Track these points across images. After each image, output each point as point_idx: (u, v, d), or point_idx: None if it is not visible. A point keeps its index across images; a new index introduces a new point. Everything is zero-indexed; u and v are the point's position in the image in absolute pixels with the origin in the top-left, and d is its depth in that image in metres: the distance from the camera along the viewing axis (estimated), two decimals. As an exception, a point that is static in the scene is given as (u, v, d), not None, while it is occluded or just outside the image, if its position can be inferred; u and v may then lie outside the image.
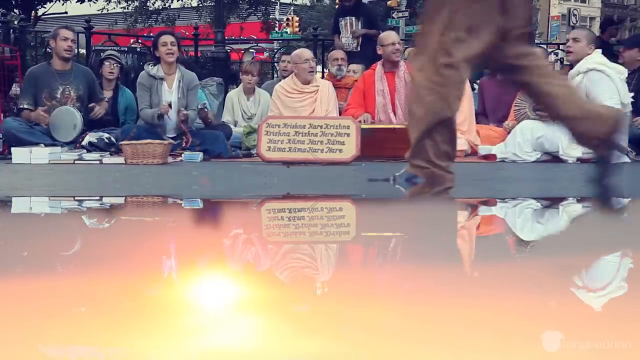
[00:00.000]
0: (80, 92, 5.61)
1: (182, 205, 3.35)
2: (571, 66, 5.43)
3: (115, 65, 6.12)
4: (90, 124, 5.57)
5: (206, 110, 5.87)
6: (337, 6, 8.11)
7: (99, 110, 5.67)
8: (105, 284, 1.71)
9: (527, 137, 5.14)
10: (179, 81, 5.61)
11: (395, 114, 5.79)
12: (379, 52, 5.94)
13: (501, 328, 1.34)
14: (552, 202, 3.48)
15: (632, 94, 5.14)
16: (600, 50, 5.20)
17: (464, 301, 1.57)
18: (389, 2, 16.22)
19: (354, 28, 7.45)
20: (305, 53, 6.15)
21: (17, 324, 1.36)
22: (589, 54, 5.15)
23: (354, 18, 7.51)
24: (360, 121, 5.49)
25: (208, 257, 2.15)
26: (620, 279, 1.83)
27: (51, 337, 1.28)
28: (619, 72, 5.07)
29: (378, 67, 5.92)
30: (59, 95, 5.54)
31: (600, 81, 5.00)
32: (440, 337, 1.29)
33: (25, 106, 5.46)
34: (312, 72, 5.92)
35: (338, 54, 6.72)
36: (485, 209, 3.35)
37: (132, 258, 2.06)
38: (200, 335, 1.31)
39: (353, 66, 6.76)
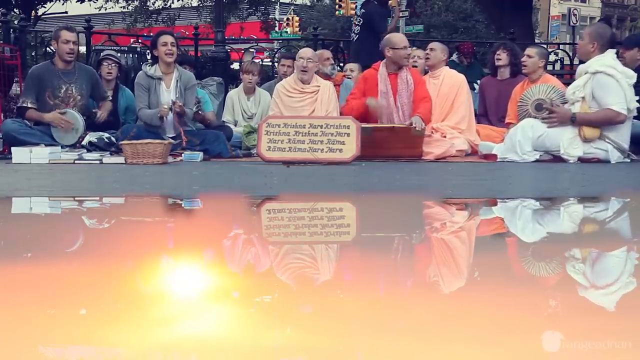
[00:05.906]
0: (84, 91, 5.60)
1: (182, 205, 3.35)
2: (571, 65, 5.42)
3: (113, 65, 6.10)
4: (93, 127, 5.55)
5: (201, 112, 5.86)
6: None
7: (102, 114, 5.67)
8: (95, 277, 1.71)
9: (528, 135, 5.10)
10: (177, 81, 5.60)
11: (397, 115, 5.74)
12: (388, 53, 5.70)
13: (492, 320, 1.34)
14: (552, 201, 3.48)
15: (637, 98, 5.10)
16: (613, 51, 5.14)
17: (457, 297, 1.57)
18: (389, 2, 16.18)
19: None
20: (302, 52, 6.09)
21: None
22: (592, 52, 5.10)
23: None
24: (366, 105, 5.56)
25: (200, 253, 2.15)
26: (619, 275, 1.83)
27: (36, 324, 1.28)
28: (628, 77, 5.01)
29: (381, 68, 5.76)
30: (62, 95, 5.52)
31: (608, 85, 4.96)
32: (428, 329, 1.29)
33: (29, 105, 5.44)
34: (305, 71, 5.80)
35: (327, 53, 6.73)
36: (485, 208, 3.35)
37: (126, 254, 2.06)
38: (178, 325, 1.34)
39: (350, 65, 6.77)
